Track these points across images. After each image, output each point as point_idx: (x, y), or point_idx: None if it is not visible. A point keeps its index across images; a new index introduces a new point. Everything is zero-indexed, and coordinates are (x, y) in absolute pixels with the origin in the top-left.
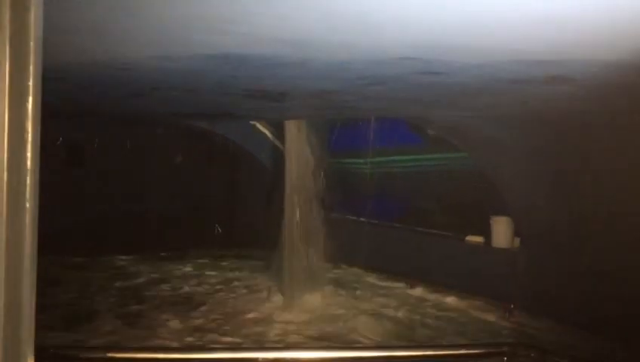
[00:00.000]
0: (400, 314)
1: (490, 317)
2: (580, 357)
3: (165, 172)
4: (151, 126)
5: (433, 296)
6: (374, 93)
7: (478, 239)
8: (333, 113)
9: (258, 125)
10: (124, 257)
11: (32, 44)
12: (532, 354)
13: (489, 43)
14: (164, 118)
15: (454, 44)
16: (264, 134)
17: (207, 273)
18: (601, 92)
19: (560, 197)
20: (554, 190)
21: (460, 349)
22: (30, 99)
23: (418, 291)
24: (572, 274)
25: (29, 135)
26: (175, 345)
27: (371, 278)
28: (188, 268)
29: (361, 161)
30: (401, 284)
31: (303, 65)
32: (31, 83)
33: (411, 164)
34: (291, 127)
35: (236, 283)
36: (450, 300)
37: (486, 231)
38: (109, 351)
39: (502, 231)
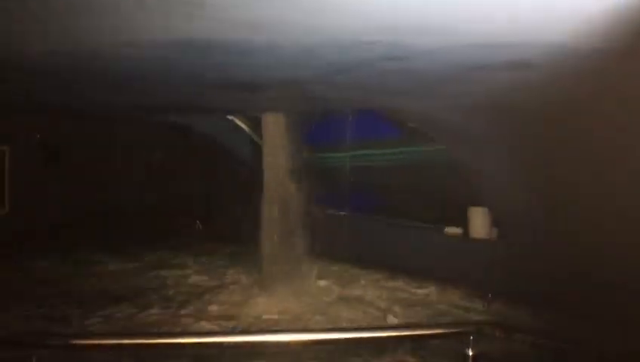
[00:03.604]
0: (380, 303)
1: (468, 307)
2: (545, 334)
3: (143, 167)
4: (128, 121)
5: (412, 287)
6: (343, 82)
7: (457, 230)
8: (306, 105)
9: (236, 120)
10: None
11: None
12: (497, 333)
13: (448, 23)
14: (134, 111)
15: (415, 25)
16: (242, 129)
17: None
18: (563, 79)
19: (535, 186)
20: (529, 180)
21: (428, 329)
22: None
23: (398, 282)
24: (550, 263)
25: None
26: None
27: (351, 270)
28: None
29: (340, 154)
30: (380, 276)
31: (270, 52)
32: None
33: (389, 156)
34: (269, 122)
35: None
36: (429, 290)
37: (465, 223)
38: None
39: (479, 221)
